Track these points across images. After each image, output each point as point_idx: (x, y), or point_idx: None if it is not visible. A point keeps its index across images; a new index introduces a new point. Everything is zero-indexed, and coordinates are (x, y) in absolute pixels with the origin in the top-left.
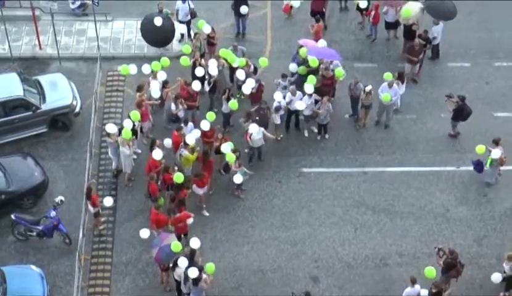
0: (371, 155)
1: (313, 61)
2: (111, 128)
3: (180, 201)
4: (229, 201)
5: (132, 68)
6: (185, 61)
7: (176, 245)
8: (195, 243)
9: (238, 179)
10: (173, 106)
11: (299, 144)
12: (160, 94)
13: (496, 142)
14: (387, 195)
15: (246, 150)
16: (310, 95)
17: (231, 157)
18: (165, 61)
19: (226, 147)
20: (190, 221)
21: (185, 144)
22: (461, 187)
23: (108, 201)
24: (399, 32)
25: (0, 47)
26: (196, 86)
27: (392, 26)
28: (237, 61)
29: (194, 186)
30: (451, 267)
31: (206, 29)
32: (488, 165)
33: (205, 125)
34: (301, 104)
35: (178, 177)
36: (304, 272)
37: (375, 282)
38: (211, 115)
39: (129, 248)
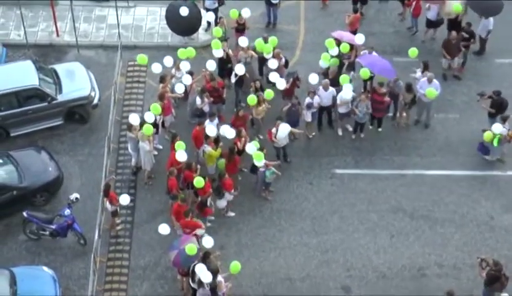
0: (409, 156)
1: (364, 73)
2: (134, 119)
3: (202, 203)
4: (256, 203)
5: (156, 67)
6: (217, 45)
7: (191, 248)
8: (208, 242)
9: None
10: (198, 100)
11: (332, 143)
12: (184, 88)
13: (504, 119)
14: (426, 200)
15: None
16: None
17: (258, 156)
18: (191, 51)
19: (251, 147)
20: (199, 232)
21: (208, 139)
22: (508, 193)
23: (124, 199)
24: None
25: (15, 33)
26: (211, 65)
27: (433, 24)
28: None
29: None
30: (495, 279)
31: (245, 12)
32: (496, 143)
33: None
34: (347, 92)
35: (199, 182)
36: (335, 281)
37: (412, 294)
38: (252, 99)
39: (148, 251)
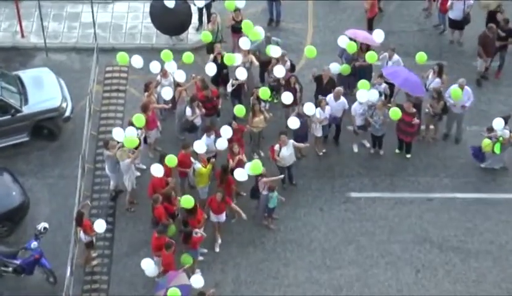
0: (437, 177)
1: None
2: (118, 135)
3: (187, 234)
4: (257, 233)
5: (136, 60)
6: (189, 58)
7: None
8: (196, 281)
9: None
10: (188, 110)
11: (346, 162)
12: (172, 93)
13: (506, 120)
14: (457, 228)
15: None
16: (362, 103)
17: (256, 166)
18: (189, 57)
19: (257, 166)
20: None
21: (197, 155)
22: None
23: (99, 225)
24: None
25: None
26: (211, 69)
27: (457, 25)
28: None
29: (211, 213)
30: None
31: (240, 3)
32: (498, 150)
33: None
34: (364, 95)
35: (187, 201)
36: None
37: None
38: (240, 110)
39: (129, 290)
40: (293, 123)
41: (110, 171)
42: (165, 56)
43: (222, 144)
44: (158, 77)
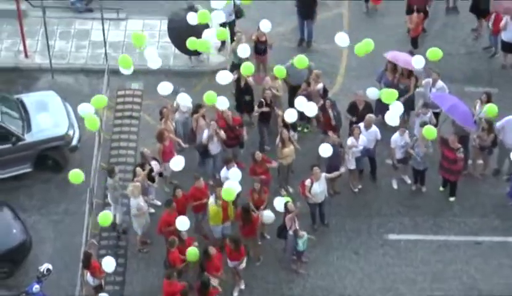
0: (486, 218)
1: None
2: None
3: (203, 285)
4: (284, 278)
5: (165, 88)
6: (211, 99)
7: None
8: None
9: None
10: (205, 134)
11: (384, 200)
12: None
13: None
14: (508, 276)
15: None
16: (404, 131)
17: (229, 193)
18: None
19: (280, 202)
20: None
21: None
22: None
23: (108, 264)
24: None
25: None
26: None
27: (511, 47)
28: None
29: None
30: None
31: (264, 26)
32: None
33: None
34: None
35: (192, 254)
36: None
37: None
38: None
39: None
40: (325, 150)
41: (113, 201)
42: (208, 99)
43: (235, 175)
44: (176, 102)
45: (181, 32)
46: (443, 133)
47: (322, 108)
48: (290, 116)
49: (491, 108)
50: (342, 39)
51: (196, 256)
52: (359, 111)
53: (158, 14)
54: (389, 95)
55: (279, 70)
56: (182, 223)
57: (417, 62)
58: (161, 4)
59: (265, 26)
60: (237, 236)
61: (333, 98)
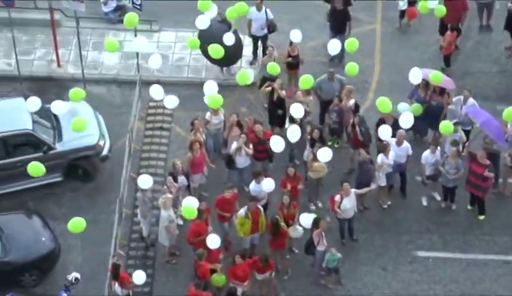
0: None
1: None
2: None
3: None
4: (312, 292)
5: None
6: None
7: None
8: None
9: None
10: (234, 145)
11: (414, 216)
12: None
13: None
14: None
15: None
16: (435, 148)
17: (316, 218)
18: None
19: (306, 219)
20: None
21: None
22: None
23: (138, 277)
24: None
25: (4, 62)
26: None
27: None
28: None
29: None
30: None
31: (295, 36)
32: None
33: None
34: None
35: (219, 279)
36: None
37: None
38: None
39: None
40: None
41: (141, 216)
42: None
43: (269, 185)
44: (208, 115)
45: (209, 43)
46: (472, 149)
47: (351, 124)
48: (297, 111)
49: (508, 112)
50: (295, 35)
51: (222, 281)
52: None
53: (191, 26)
54: (417, 108)
55: (306, 80)
56: (213, 242)
57: (414, 76)
58: (195, 15)
59: (296, 36)
60: (266, 251)
61: (363, 114)
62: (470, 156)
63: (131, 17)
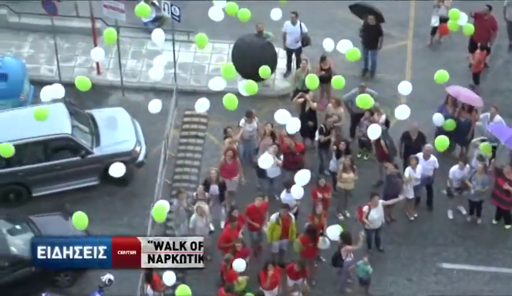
0: None
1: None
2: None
3: None
4: None
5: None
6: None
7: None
8: None
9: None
10: (265, 155)
11: (440, 229)
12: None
13: None
14: None
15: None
16: (465, 162)
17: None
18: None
19: (333, 231)
20: None
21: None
22: None
23: (169, 278)
24: None
25: (46, 68)
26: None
27: None
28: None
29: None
30: None
31: (328, 45)
32: None
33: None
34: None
35: (242, 283)
36: None
37: None
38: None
39: None
40: (374, 131)
41: (174, 227)
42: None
43: (298, 192)
44: (242, 121)
45: (243, 58)
46: (498, 164)
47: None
48: (374, 133)
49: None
50: (328, 43)
51: (244, 284)
52: (412, 141)
53: (227, 38)
54: (451, 123)
55: (338, 81)
56: (239, 266)
57: (403, 88)
58: (231, 27)
59: (328, 44)
60: (294, 258)
61: (394, 129)
62: (496, 171)
63: (110, 33)
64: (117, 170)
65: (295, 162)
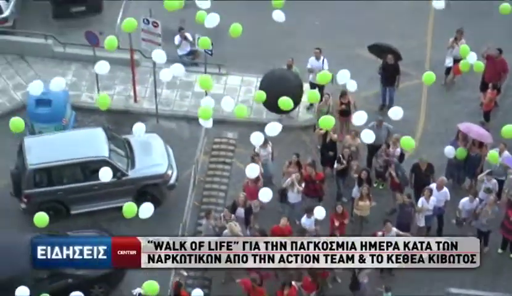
0: None
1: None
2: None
3: None
4: None
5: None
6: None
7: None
8: None
9: None
10: (288, 180)
11: None
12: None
13: None
14: None
15: None
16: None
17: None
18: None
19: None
20: None
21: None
22: None
23: (197, 294)
24: None
25: (87, 95)
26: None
27: None
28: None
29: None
30: None
31: (351, 85)
32: None
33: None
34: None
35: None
36: None
37: None
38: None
39: None
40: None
41: None
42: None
43: (320, 213)
44: (257, 148)
45: (269, 91)
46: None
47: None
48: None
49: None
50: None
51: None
52: (422, 172)
53: (256, 72)
54: (462, 152)
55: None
56: None
57: (394, 113)
58: (260, 62)
59: (351, 85)
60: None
61: (408, 161)
62: (509, 203)
63: (111, 41)
64: (146, 211)
65: (315, 190)
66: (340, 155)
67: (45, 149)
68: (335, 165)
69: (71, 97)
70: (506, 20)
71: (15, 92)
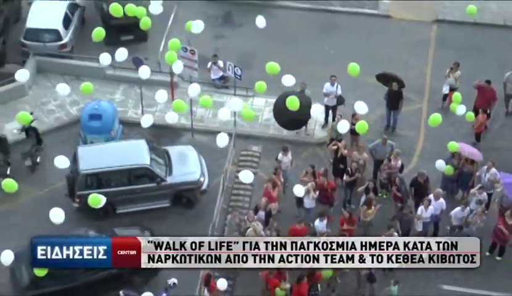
0: None
1: (448, 170)
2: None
3: None
4: None
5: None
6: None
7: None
8: None
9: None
10: (304, 188)
11: None
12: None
13: None
14: None
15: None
16: (464, 208)
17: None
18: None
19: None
20: None
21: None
22: None
23: (222, 283)
24: None
25: (133, 111)
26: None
27: None
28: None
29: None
30: None
31: (360, 108)
32: None
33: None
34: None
35: (280, 293)
36: None
37: None
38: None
39: None
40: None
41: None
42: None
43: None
44: (280, 155)
45: (280, 109)
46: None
47: (393, 181)
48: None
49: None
50: (360, 106)
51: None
52: (422, 185)
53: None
54: (449, 169)
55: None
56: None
57: (359, 107)
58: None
59: (361, 108)
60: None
61: (408, 173)
62: (500, 212)
63: (87, 86)
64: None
65: (327, 197)
66: (349, 168)
67: (96, 157)
68: (345, 177)
69: (119, 113)
70: (498, 54)
71: (71, 108)
